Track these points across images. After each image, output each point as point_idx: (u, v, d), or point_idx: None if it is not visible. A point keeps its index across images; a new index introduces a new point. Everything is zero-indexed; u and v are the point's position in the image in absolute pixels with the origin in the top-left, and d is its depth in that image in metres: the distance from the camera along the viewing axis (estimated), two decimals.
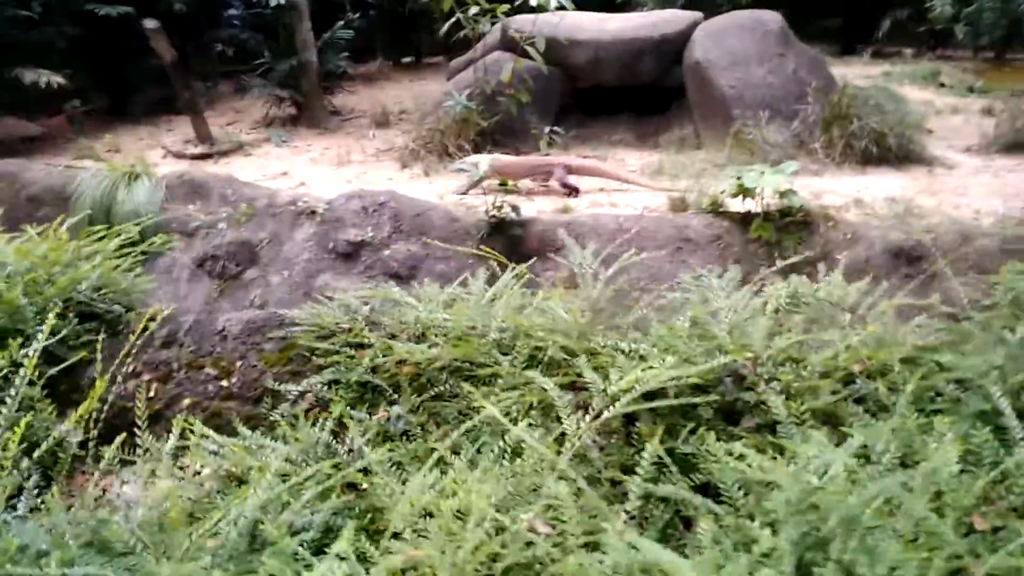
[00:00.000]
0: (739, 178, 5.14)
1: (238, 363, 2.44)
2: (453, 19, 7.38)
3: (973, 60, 11.70)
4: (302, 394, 2.33)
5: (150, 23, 7.28)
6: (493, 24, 7.44)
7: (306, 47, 8.92)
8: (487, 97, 7.56)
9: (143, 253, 4.55)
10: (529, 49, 6.97)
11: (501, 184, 5.41)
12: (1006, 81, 9.68)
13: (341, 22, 9.71)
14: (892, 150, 6.49)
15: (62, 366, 2.37)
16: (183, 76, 7.79)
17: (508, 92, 7.32)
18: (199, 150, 7.84)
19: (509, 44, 7.80)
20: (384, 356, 2.26)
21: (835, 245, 5.02)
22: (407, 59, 13.56)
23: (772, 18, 7.84)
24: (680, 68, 7.94)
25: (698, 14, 8.10)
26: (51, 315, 2.44)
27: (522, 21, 7.46)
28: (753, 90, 7.36)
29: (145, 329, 2.60)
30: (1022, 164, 6.46)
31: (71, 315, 2.57)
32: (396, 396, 2.22)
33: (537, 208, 5.91)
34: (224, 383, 2.37)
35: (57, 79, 7.88)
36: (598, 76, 7.86)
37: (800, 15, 9.57)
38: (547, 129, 7.52)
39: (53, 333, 2.53)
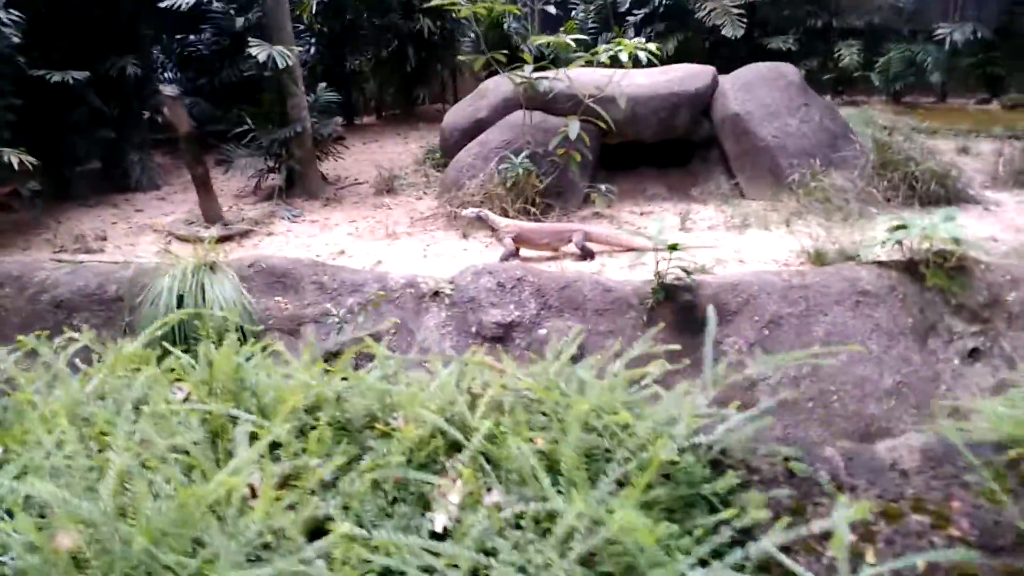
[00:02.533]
0: (900, 227, 5.21)
1: (954, 504, 2.02)
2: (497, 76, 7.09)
3: (885, 103, 12.84)
4: None
5: (169, 89, 6.36)
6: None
7: (299, 112, 8.17)
8: (536, 157, 7.25)
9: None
10: (598, 109, 6.83)
11: (672, 247, 5.12)
12: (941, 120, 10.71)
13: (323, 83, 9.01)
14: (949, 191, 6.90)
15: None
16: (196, 149, 6.82)
17: (560, 152, 7.12)
18: (215, 232, 6.87)
19: (535, 101, 7.58)
20: None
21: (1000, 287, 5.19)
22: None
23: (791, 70, 8.20)
24: (705, 121, 8.08)
25: (712, 68, 8.27)
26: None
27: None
28: (793, 139, 7.61)
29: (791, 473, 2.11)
30: None
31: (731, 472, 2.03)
32: None
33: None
34: (952, 531, 1.94)
35: (29, 158, 6.64)
36: (636, 131, 7.80)
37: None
38: (603, 187, 7.36)
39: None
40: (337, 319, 5.14)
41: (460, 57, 7.86)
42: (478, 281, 5.48)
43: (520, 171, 6.96)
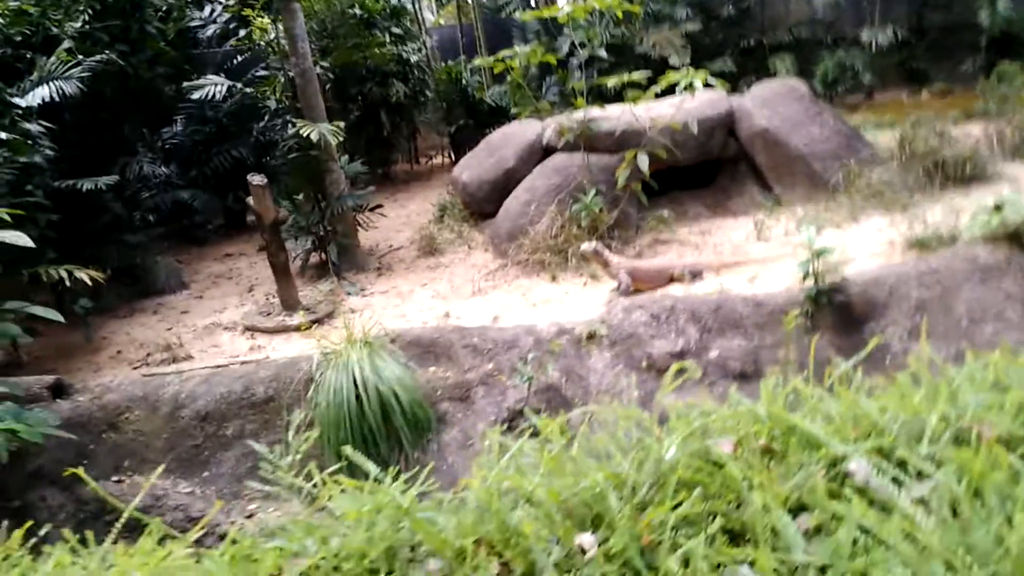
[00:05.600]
0: (999, 206, 5.69)
1: None
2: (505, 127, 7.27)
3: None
4: None
5: (257, 179, 6.13)
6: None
7: (340, 187, 8.05)
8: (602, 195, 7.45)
9: None
10: (663, 140, 7.08)
11: (819, 253, 5.36)
12: (894, 114, 11.59)
13: (346, 156, 8.90)
14: (978, 171, 7.53)
15: None
16: (280, 237, 6.60)
17: (621, 186, 7.34)
18: (302, 319, 6.63)
19: (585, 142, 7.80)
20: None
21: None
22: None
23: (799, 84, 8.77)
24: (732, 140, 8.50)
25: (724, 91, 8.70)
26: None
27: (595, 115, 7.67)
28: (820, 145, 8.11)
29: None
30: None
31: None
32: None
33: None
34: None
35: (96, 274, 6.24)
36: (677, 156, 8.06)
37: None
38: (665, 213, 7.61)
39: None
40: (525, 375, 5.07)
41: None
42: (630, 317, 5.56)
43: (595, 209, 7.12)
